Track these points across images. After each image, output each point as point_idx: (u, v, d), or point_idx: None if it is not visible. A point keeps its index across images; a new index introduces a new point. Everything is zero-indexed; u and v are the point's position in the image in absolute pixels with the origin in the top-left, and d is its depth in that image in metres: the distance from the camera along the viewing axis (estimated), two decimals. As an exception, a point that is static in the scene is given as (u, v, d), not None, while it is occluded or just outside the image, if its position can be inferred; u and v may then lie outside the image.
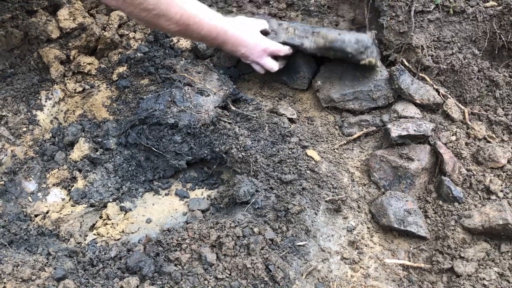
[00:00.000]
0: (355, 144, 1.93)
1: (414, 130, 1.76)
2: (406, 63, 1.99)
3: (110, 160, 1.91)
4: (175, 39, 2.23)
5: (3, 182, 1.78)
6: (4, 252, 1.56)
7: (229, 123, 1.92)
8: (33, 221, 1.74)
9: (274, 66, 2.01)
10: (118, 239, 1.74)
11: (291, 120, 1.98)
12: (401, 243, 1.65)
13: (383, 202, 1.66)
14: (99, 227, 1.79)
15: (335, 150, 1.90)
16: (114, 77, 2.11)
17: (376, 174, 1.79)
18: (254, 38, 1.96)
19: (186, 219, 1.81)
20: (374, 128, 1.93)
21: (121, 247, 1.65)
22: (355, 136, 1.93)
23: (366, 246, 1.62)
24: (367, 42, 1.87)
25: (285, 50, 2.00)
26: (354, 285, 1.52)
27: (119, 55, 2.18)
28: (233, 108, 1.99)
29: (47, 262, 1.55)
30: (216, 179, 1.98)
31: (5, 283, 1.46)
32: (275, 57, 2.01)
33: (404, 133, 1.75)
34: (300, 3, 2.27)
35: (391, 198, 1.67)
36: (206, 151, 1.90)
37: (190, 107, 1.91)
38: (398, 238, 1.66)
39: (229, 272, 1.51)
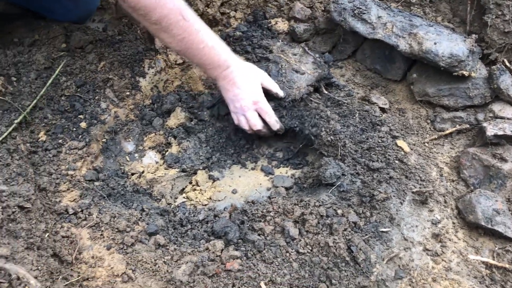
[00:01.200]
0: (446, 140, 1.91)
1: (511, 131, 1.72)
2: (508, 64, 1.94)
3: (203, 130, 2.00)
4: (273, 21, 2.28)
5: (105, 140, 1.91)
6: (103, 203, 1.68)
7: (318, 103, 1.96)
8: (130, 178, 1.86)
9: (257, 124, 1.88)
10: (205, 205, 1.82)
11: (382, 110, 1.98)
12: (486, 242, 1.62)
13: (472, 199, 1.64)
14: (188, 192, 1.88)
15: (425, 143, 1.89)
16: (213, 52, 2.18)
17: (466, 171, 1.77)
18: (253, 86, 1.88)
19: (270, 194, 1.86)
20: (468, 125, 1.90)
21: (208, 212, 1.74)
22: (447, 132, 1.91)
23: (449, 240, 1.61)
24: (462, 56, 1.83)
25: (272, 117, 1.89)
26: (435, 277, 1.52)
27: (219, 32, 2.26)
28: (325, 91, 2.02)
29: (140, 217, 1.66)
30: (301, 159, 2.02)
31: (102, 231, 1.57)
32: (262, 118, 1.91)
33: (501, 132, 1.72)
34: (401, -5, 2.26)
35: (481, 196, 1.65)
36: (296, 123, 1.94)
37: (283, 81, 1.96)
38: (483, 237, 1.63)
39: (310, 248, 1.56)
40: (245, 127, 1.91)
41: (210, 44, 1.78)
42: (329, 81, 2.08)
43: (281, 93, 1.93)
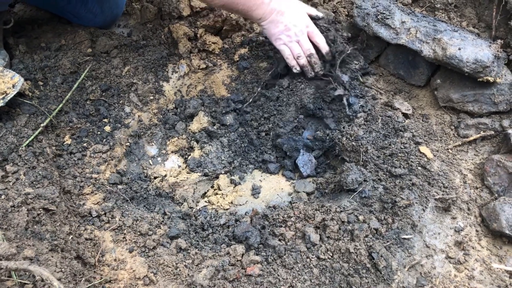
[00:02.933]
0: (470, 147, 1.89)
1: (538, 138, 1.69)
2: (534, 70, 1.91)
3: (225, 135, 2.01)
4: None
5: (128, 144, 1.93)
6: (126, 206, 1.70)
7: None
8: (152, 182, 1.88)
9: (311, 47, 1.95)
10: (227, 209, 1.83)
11: (405, 115, 1.97)
12: (510, 250, 1.59)
13: (496, 207, 1.62)
14: (210, 196, 1.89)
15: (449, 150, 1.87)
16: (236, 57, 2.20)
17: (491, 178, 1.74)
18: (300, 11, 1.96)
19: (291, 199, 1.87)
20: (492, 132, 1.87)
21: (230, 216, 1.75)
22: (471, 138, 1.88)
23: (473, 248, 1.59)
24: (487, 62, 1.81)
25: (323, 38, 1.96)
26: (457, 285, 1.50)
27: (242, 37, 2.27)
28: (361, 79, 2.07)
29: (162, 221, 1.67)
30: (323, 165, 2.01)
31: (125, 234, 1.59)
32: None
33: (526, 140, 1.69)
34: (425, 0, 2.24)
35: (505, 204, 1.62)
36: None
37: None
38: (507, 245, 1.60)
39: (331, 254, 1.55)
40: (299, 53, 1.95)
41: None
42: (365, 71, 2.11)
43: (320, 14, 2.03)
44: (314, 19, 2.00)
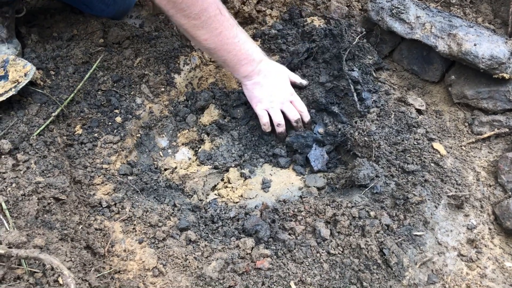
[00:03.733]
0: (484, 144, 1.86)
1: (553, 137, 1.67)
2: (550, 67, 1.88)
3: (236, 128, 2.00)
4: (309, 19, 2.26)
5: (139, 135, 1.93)
6: (136, 197, 1.69)
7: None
8: (163, 174, 1.87)
9: (296, 114, 1.90)
10: (237, 202, 1.82)
11: (418, 111, 1.95)
12: (523, 249, 1.58)
13: (510, 205, 1.60)
14: (220, 189, 1.89)
15: (462, 147, 1.85)
16: (248, 50, 2.18)
17: (505, 176, 1.72)
18: (286, 78, 1.91)
19: (301, 193, 1.85)
20: (507, 129, 1.84)
21: (240, 209, 1.74)
22: (485, 135, 1.86)
23: (485, 246, 1.57)
24: (503, 58, 1.78)
25: (305, 108, 1.92)
26: (469, 283, 1.48)
27: (254, 30, 2.26)
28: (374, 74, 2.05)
29: (172, 213, 1.67)
30: (334, 160, 1.99)
31: (135, 225, 1.59)
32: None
33: (542, 138, 1.67)
34: (441, -5, 2.21)
35: (519, 202, 1.60)
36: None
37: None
38: (521, 244, 1.59)
39: (341, 249, 1.54)
40: (280, 121, 1.90)
41: (244, 39, 1.78)
42: (379, 66, 2.10)
43: (304, 82, 1.97)
44: (297, 87, 1.97)
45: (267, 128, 1.92)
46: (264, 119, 1.90)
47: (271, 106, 1.88)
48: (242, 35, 1.78)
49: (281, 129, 1.92)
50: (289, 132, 1.95)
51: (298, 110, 1.91)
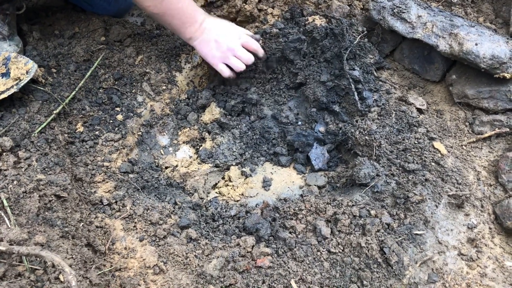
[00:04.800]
0: (484, 144, 1.86)
1: (554, 136, 1.67)
2: (552, 67, 1.88)
3: (237, 126, 2.00)
4: (310, 19, 2.25)
5: (140, 133, 1.93)
6: (137, 195, 1.69)
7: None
8: (163, 172, 1.87)
9: (251, 57, 1.93)
10: (237, 201, 1.82)
11: (419, 111, 1.95)
12: (524, 249, 1.58)
13: (510, 204, 1.60)
14: (221, 187, 1.89)
15: (463, 146, 1.85)
16: (249, 49, 2.18)
17: (505, 176, 1.72)
18: (230, 26, 1.95)
19: (302, 192, 1.86)
20: (508, 129, 1.84)
21: (240, 208, 1.74)
22: (486, 135, 1.86)
23: (485, 245, 1.57)
24: (504, 58, 1.78)
25: (259, 45, 1.96)
26: (469, 282, 1.48)
27: (256, 29, 2.25)
28: (375, 73, 2.04)
29: (173, 211, 1.67)
30: (335, 159, 2.00)
31: (136, 223, 1.59)
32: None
33: (543, 137, 1.67)
34: (443, -6, 2.21)
35: (519, 202, 1.60)
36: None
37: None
38: (521, 244, 1.59)
39: (342, 248, 1.54)
40: (238, 68, 1.92)
41: (187, 2, 1.84)
42: (380, 65, 2.10)
43: (257, 36, 2.00)
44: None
45: (232, 75, 1.96)
46: (225, 73, 1.94)
47: (226, 57, 1.91)
48: None
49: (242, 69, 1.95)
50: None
51: (252, 49, 1.94)
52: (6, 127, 1.61)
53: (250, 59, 1.93)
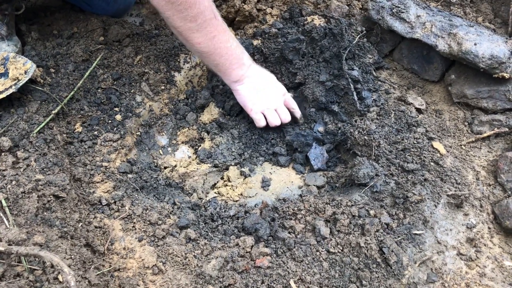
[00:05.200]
0: (483, 143, 1.87)
1: (553, 136, 1.67)
2: (551, 67, 1.88)
3: (236, 126, 2.00)
4: (309, 18, 2.26)
5: (139, 133, 1.93)
6: (136, 195, 1.69)
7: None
8: (162, 172, 1.87)
9: (288, 117, 1.95)
10: (236, 201, 1.82)
11: (418, 111, 1.95)
12: (523, 249, 1.58)
13: (509, 204, 1.60)
14: (220, 187, 1.88)
15: (462, 146, 1.85)
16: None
17: (504, 176, 1.72)
18: (275, 80, 1.95)
19: (301, 192, 1.86)
20: (507, 129, 1.85)
21: (239, 208, 1.74)
22: (485, 135, 1.86)
23: (485, 245, 1.57)
24: (503, 58, 1.78)
25: (297, 107, 1.98)
26: (468, 282, 1.48)
27: (255, 29, 2.25)
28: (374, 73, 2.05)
29: (172, 211, 1.67)
30: (334, 159, 2.00)
31: (134, 223, 1.59)
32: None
33: (542, 137, 1.67)
34: (442, -6, 2.21)
35: (519, 201, 1.60)
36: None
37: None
38: (520, 243, 1.59)
39: (341, 248, 1.54)
40: (277, 123, 1.92)
41: (235, 44, 1.80)
42: (379, 65, 2.11)
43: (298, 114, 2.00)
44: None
45: (264, 126, 1.96)
46: (261, 123, 1.93)
47: (267, 108, 1.91)
48: (234, 40, 1.80)
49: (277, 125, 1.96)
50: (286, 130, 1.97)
51: (290, 108, 1.95)
52: (4, 127, 1.61)
53: (288, 118, 1.94)
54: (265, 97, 1.90)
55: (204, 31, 1.67)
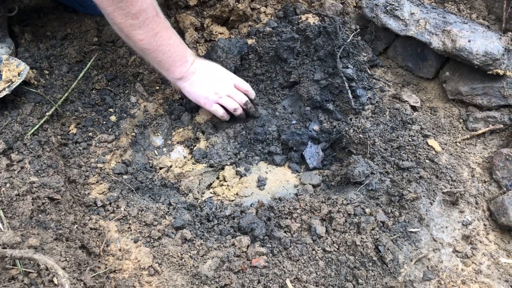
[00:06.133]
0: (478, 140, 1.87)
1: (547, 132, 1.67)
2: (545, 63, 1.88)
3: (231, 126, 1.99)
4: (303, 17, 2.25)
5: (134, 134, 1.92)
6: (131, 196, 1.69)
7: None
8: (158, 172, 1.87)
9: (243, 97, 1.94)
10: (232, 200, 1.82)
11: (413, 108, 1.95)
12: (518, 245, 1.59)
13: (505, 201, 1.60)
14: (215, 187, 1.88)
15: (457, 143, 1.85)
16: (243, 48, 2.18)
17: (499, 172, 1.72)
18: (220, 68, 1.94)
19: (297, 191, 1.86)
20: (501, 125, 1.85)
21: (235, 207, 1.74)
22: (480, 131, 1.86)
23: (480, 242, 1.57)
24: (497, 54, 1.78)
25: (249, 87, 1.98)
26: (464, 279, 1.49)
27: (249, 28, 2.25)
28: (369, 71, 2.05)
29: (167, 211, 1.66)
30: (329, 157, 1.99)
31: (130, 224, 1.58)
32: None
33: (536, 133, 1.67)
34: (435, -9, 2.21)
35: (514, 198, 1.60)
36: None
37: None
38: (516, 240, 1.59)
39: (337, 247, 1.54)
40: (235, 106, 1.93)
41: (178, 41, 1.79)
42: (373, 63, 2.11)
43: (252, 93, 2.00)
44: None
45: (226, 117, 1.96)
46: (219, 112, 1.93)
47: (219, 97, 1.90)
48: (177, 37, 1.79)
49: (238, 112, 1.95)
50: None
51: (243, 90, 1.95)
52: (-2, 130, 1.60)
53: (243, 99, 1.93)
54: (214, 87, 1.89)
55: (146, 28, 1.65)
